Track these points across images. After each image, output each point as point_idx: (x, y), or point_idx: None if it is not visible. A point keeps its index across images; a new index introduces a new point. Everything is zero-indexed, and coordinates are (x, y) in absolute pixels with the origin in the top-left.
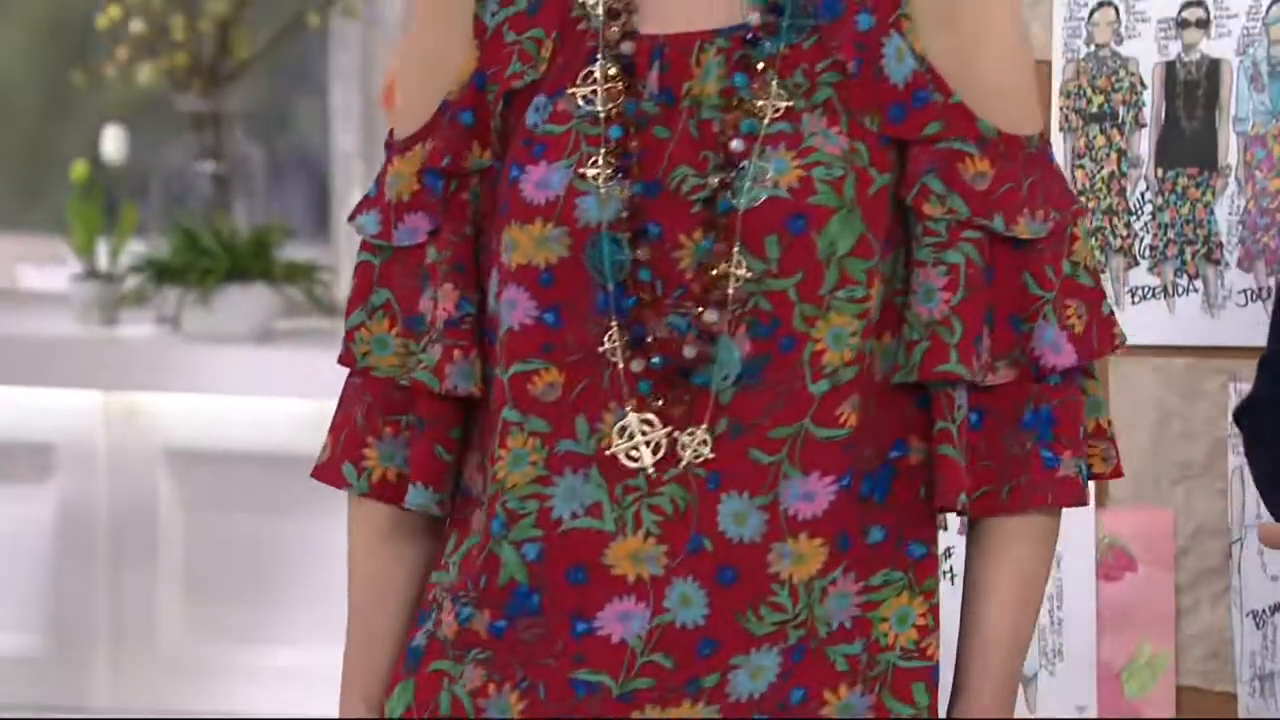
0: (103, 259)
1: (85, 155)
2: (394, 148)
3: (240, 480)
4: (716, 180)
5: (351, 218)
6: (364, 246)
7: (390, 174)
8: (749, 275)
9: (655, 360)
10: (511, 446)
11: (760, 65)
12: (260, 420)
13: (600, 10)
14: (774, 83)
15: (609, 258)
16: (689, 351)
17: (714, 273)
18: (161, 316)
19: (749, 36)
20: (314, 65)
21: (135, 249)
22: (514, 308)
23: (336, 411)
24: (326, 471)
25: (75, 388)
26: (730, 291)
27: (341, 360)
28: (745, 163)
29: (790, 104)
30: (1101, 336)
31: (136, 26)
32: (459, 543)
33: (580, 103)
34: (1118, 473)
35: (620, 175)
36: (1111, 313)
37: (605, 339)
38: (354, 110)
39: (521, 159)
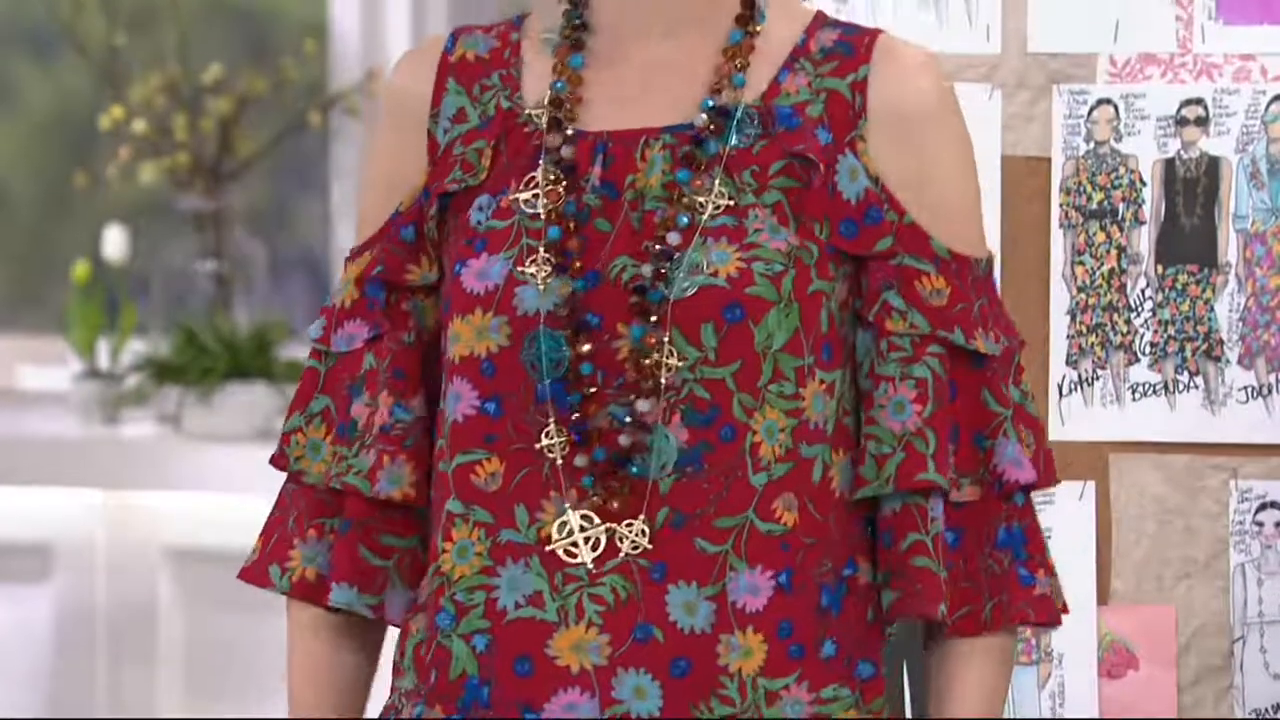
0: (103, 358)
1: (86, 255)
2: (350, 255)
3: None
4: (650, 270)
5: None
6: (312, 353)
7: (341, 281)
8: (682, 363)
9: (597, 454)
10: (457, 539)
11: (704, 163)
12: (261, 520)
13: (543, 117)
14: (718, 180)
15: (546, 355)
16: (624, 440)
17: (647, 361)
18: (162, 415)
19: (695, 135)
20: (315, 164)
21: (136, 348)
22: (458, 400)
23: (271, 514)
24: (253, 573)
25: (76, 487)
26: (664, 380)
27: (273, 462)
28: (680, 254)
29: (733, 201)
30: (1046, 468)
31: (139, 126)
32: (402, 649)
33: (523, 206)
34: (1065, 609)
35: (559, 272)
36: (1050, 449)
37: (542, 435)
38: (355, 208)
39: (464, 255)
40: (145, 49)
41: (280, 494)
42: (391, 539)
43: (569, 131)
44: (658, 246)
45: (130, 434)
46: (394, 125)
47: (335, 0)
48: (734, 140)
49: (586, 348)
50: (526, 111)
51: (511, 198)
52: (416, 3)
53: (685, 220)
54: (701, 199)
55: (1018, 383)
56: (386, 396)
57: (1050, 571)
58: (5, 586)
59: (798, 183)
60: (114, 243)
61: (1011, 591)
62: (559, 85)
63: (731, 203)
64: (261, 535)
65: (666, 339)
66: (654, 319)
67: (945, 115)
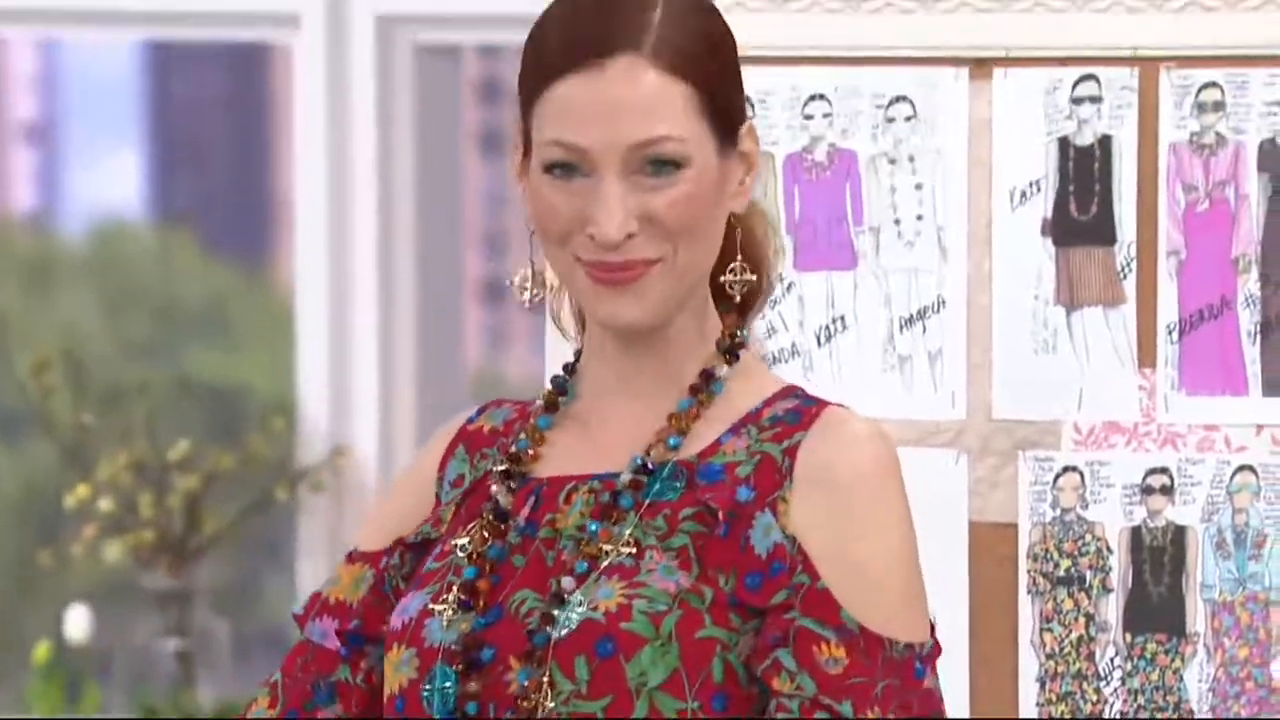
0: None
1: (49, 635)
2: (350, 554)
3: None
4: (539, 615)
5: None
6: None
7: (337, 571)
8: (557, 698)
9: None
10: None
11: (618, 515)
12: None
13: (497, 470)
14: (629, 529)
15: (439, 691)
16: None
17: (526, 704)
18: None
19: (616, 489)
20: (283, 540)
21: None
22: None
23: None
24: None
25: None
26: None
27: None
28: (570, 597)
29: (635, 548)
30: None
31: (105, 505)
32: None
33: (458, 550)
34: None
35: (465, 609)
36: None
37: None
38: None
39: (400, 597)
40: (113, 427)
41: None
42: None
43: (511, 483)
44: (552, 590)
45: None
46: (415, 468)
47: (303, 378)
48: (653, 494)
49: (473, 687)
50: (494, 470)
51: (452, 543)
52: (384, 382)
53: (584, 566)
54: (606, 546)
55: None
56: None
57: None
58: None
59: (705, 529)
60: (76, 623)
61: None
62: (522, 444)
63: (634, 549)
64: None
65: (546, 680)
66: (538, 661)
67: (877, 489)
